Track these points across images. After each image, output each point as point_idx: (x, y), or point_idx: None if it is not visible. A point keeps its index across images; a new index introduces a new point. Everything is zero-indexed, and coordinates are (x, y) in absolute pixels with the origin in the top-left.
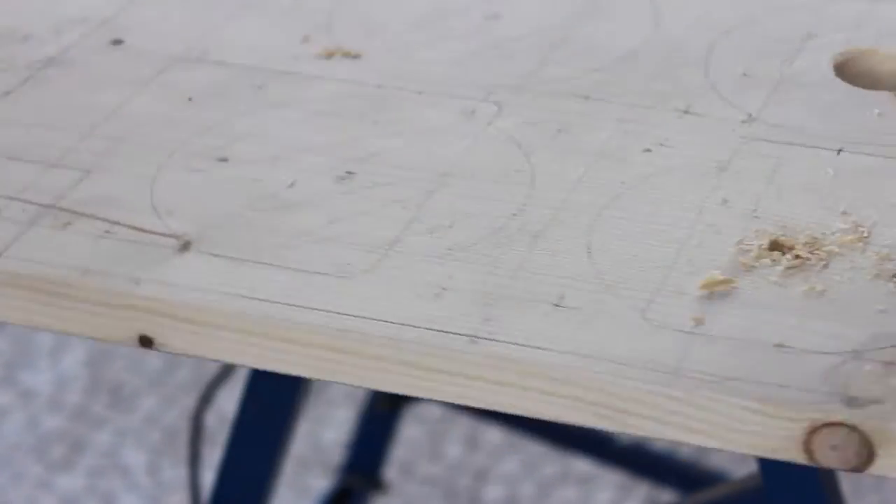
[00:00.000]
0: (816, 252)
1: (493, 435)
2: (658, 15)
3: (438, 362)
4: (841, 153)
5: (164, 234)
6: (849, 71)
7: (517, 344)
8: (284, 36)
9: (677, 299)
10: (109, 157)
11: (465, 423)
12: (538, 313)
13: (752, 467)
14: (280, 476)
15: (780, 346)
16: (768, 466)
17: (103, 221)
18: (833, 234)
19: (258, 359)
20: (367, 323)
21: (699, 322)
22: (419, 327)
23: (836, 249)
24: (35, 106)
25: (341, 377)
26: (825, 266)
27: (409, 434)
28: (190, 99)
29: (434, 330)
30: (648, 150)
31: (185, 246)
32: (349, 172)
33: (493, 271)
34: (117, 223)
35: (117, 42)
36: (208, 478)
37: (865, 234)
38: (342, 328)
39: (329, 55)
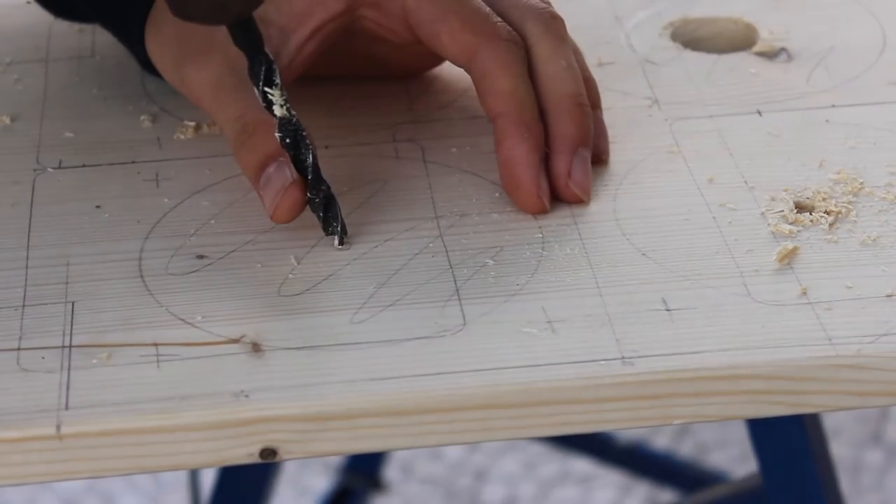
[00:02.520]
0: (839, 205)
1: None
2: None
3: (605, 391)
4: (763, 114)
5: (220, 343)
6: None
7: (664, 354)
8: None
9: (765, 277)
10: (79, 282)
11: None
12: (654, 321)
13: (752, 467)
14: (280, 475)
15: (890, 295)
16: (768, 466)
17: (143, 346)
18: (833, 186)
19: (408, 439)
20: (519, 372)
21: (804, 292)
22: (564, 363)
23: (853, 199)
24: None
25: (499, 434)
26: (856, 216)
27: None
28: (98, 207)
29: (583, 362)
30: None
31: (256, 347)
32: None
33: (578, 294)
34: (157, 344)
35: None
36: (208, 477)
37: (861, 180)
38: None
39: (192, 135)
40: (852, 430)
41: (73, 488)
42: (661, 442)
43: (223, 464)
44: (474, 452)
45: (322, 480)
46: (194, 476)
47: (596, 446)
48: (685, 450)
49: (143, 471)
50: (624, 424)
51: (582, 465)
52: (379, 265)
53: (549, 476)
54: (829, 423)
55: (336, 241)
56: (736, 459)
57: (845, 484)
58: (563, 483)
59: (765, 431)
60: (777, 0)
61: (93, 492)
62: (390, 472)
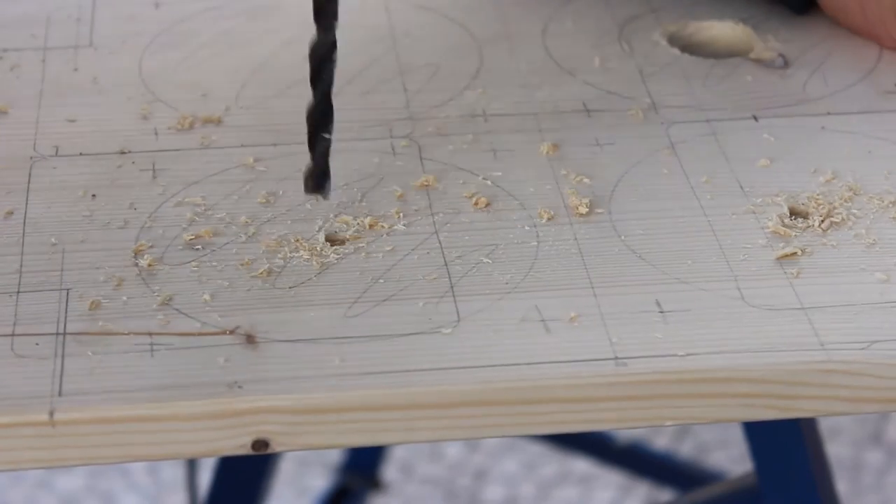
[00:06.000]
0: (834, 211)
1: None
2: None
3: (598, 391)
4: (759, 120)
5: (215, 333)
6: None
7: (657, 356)
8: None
9: (759, 281)
10: (74, 269)
11: None
12: (647, 322)
13: (750, 466)
14: (279, 475)
15: (883, 302)
16: (764, 465)
17: (137, 335)
18: (827, 192)
19: (399, 434)
20: (511, 370)
21: (797, 297)
22: (557, 362)
23: (847, 205)
24: None
25: (491, 431)
26: (851, 222)
27: None
28: (94, 196)
29: (576, 361)
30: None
31: (250, 339)
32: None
33: (572, 293)
34: (152, 333)
35: None
36: (206, 477)
37: (856, 188)
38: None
39: (189, 125)
40: (852, 430)
41: (72, 488)
42: (660, 442)
43: (215, 454)
44: (474, 452)
45: (321, 480)
46: (192, 475)
47: (596, 446)
48: (685, 450)
49: (135, 459)
50: (615, 425)
51: (582, 465)
52: (374, 260)
53: (549, 476)
54: (829, 423)
55: (324, 196)
56: (736, 459)
57: (845, 484)
58: (563, 483)
59: (760, 429)
60: (774, 6)
61: (93, 492)
62: (390, 472)
